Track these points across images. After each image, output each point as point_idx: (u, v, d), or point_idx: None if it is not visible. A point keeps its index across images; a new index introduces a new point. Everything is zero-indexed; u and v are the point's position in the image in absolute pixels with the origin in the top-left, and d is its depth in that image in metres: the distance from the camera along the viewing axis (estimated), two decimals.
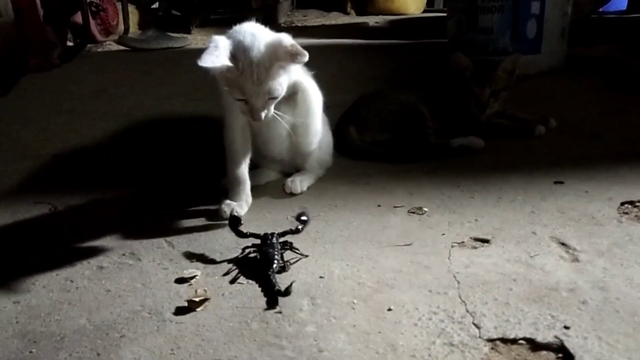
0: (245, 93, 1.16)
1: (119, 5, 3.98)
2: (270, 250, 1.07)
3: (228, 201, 1.31)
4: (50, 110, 2.31)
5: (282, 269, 1.06)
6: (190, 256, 1.14)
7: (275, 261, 1.04)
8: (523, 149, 1.67)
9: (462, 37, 2.59)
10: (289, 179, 1.43)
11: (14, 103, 2.44)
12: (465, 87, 1.77)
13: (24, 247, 1.22)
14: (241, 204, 1.32)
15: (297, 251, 1.11)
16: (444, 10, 4.91)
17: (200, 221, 1.30)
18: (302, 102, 1.34)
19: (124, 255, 1.15)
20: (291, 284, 0.98)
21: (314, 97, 1.36)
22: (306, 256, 1.11)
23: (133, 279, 1.06)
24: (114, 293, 1.02)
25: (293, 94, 1.32)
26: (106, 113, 2.26)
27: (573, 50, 2.68)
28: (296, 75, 1.30)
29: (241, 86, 1.15)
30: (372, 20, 4.84)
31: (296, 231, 1.14)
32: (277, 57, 1.14)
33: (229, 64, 1.12)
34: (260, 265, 1.05)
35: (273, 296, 0.97)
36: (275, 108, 1.25)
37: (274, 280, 0.99)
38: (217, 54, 1.11)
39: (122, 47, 3.70)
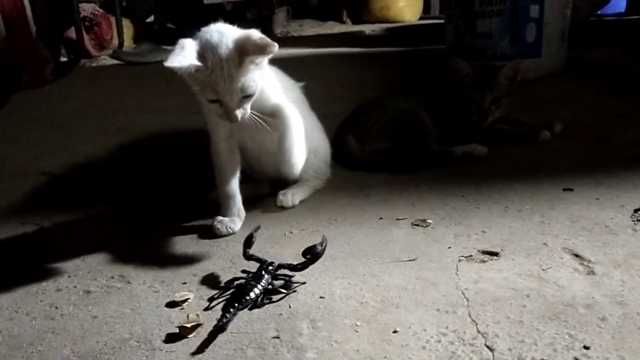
0: (217, 92, 1.10)
1: (113, 20, 3.94)
2: (253, 282, 0.97)
3: (220, 217, 1.26)
4: (42, 126, 2.25)
5: (255, 306, 0.96)
6: (183, 277, 1.07)
7: (248, 297, 0.94)
8: (528, 155, 1.61)
9: (460, 43, 2.54)
10: (281, 192, 1.37)
11: (5, 120, 2.39)
12: (466, 94, 1.72)
13: (8, 270, 1.16)
14: (234, 220, 1.26)
15: (282, 290, 0.99)
16: (440, 17, 4.89)
17: (194, 239, 1.24)
18: (278, 129, 1.23)
19: (112, 277, 1.09)
20: (231, 319, 0.91)
21: (293, 123, 1.24)
22: (294, 291, 1.00)
23: (121, 303, 1.00)
24: (101, 320, 0.95)
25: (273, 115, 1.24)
26: (98, 128, 2.21)
27: (573, 53, 2.63)
28: (275, 97, 1.24)
29: (213, 86, 1.09)
30: (368, 28, 4.80)
31: (299, 267, 1.03)
32: (246, 52, 1.09)
33: (197, 63, 1.06)
34: (231, 298, 0.96)
35: (216, 330, 0.89)
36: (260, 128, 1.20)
37: (225, 318, 0.90)
38: (183, 54, 1.06)
39: (116, 62, 3.65)
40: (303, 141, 1.26)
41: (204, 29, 1.14)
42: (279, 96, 1.26)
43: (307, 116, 1.44)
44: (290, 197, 1.36)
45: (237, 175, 1.29)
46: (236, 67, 1.09)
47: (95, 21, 3.81)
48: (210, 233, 1.24)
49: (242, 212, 1.29)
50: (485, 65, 2.02)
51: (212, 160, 1.29)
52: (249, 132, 1.27)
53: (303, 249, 1.07)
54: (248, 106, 1.15)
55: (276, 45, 1.09)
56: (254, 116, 1.18)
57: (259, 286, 0.97)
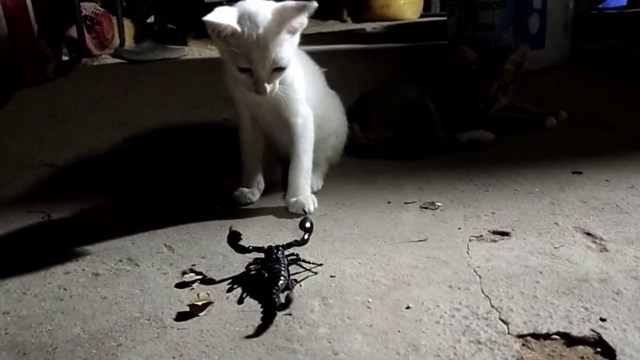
0: (251, 60, 1.11)
1: (114, 19, 3.94)
2: (277, 265, 0.95)
3: (241, 188, 1.32)
4: (45, 122, 2.25)
5: (287, 287, 0.93)
6: (191, 260, 1.07)
7: (282, 278, 0.92)
8: (535, 141, 1.61)
9: (463, 35, 2.54)
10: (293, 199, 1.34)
11: (8, 116, 2.38)
12: (472, 82, 1.71)
13: (15, 255, 1.15)
14: (253, 191, 1.32)
15: (304, 266, 1.00)
16: (441, 14, 4.89)
17: (201, 224, 1.23)
18: (293, 136, 1.27)
19: (120, 261, 1.08)
20: (292, 290, 0.88)
21: (307, 137, 1.28)
22: (315, 273, 0.99)
23: (131, 285, 0.99)
24: (111, 300, 0.94)
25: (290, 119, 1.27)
26: (102, 123, 2.20)
27: (576, 46, 2.63)
28: (299, 102, 1.26)
29: (246, 53, 1.10)
30: (369, 26, 4.80)
31: (302, 242, 1.04)
32: (284, 19, 1.10)
33: (235, 25, 1.08)
34: (265, 282, 0.92)
35: (272, 313, 0.86)
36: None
37: (276, 300, 0.87)
38: (223, 14, 1.09)
39: (117, 60, 3.65)
40: (311, 152, 1.29)
41: (240, 3, 1.16)
42: (302, 103, 1.27)
43: (329, 99, 1.49)
44: (315, 181, 1.35)
45: (259, 151, 1.34)
46: (272, 36, 1.10)
47: (96, 20, 3.81)
48: (232, 202, 1.31)
49: (262, 185, 1.35)
50: (492, 51, 2.01)
51: (239, 137, 1.34)
52: (268, 123, 1.31)
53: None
54: (277, 82, 1.16)
55: (313, 2, 1.10)
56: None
57: (283, 268, 0.95)
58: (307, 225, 1.07)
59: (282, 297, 0.88)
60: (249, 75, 1.13)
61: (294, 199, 1.25)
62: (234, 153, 1.37)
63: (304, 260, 1.01)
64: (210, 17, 1.07)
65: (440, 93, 1.75)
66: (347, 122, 1.54)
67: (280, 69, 1.14)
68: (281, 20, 1.10)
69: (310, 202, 1.24)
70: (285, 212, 1.26)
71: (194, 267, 1.04)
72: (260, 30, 1.09)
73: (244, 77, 1.15)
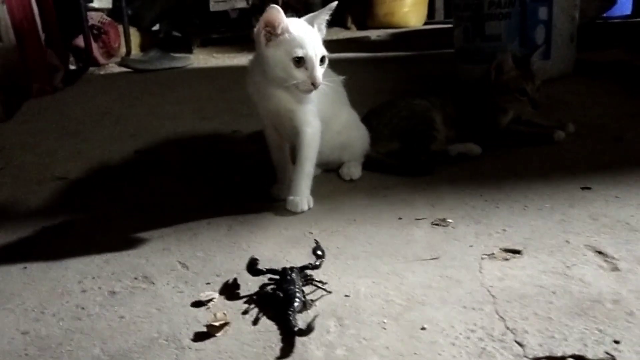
0: (305, 47, 1.26)
1: (120, 28, 3.97)
2: (291, 287, 0.96)
3: (277, 185, 1.46)
4: (54, 133, 2.27)
5: (304, 307, 0.95)
6: (206, 278, 1.08)
7: (297, 299, 0.93)
8: (544, 155, 1.62)
9: (469, 46, 2.55)
10: (345, 166, 1.56)
11: (18, 128, 2.40)
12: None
13: (30, 273, 1.16)
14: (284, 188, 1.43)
15: (319, 285, 1.01)
16: (445, 21, 4.91)
17: (215, 241, 1.24)
18: (299, 145, 1.38)
19: (136, 279, 1.09)
20: (314, 319, 0.87)
21: (312, 146, 1.39)
22: (329, 292, 0.99)
23: (147, 304, 1.00)
24: (128, 320, 0.96)
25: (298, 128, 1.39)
26: (112, 134, 2.22)
27: (580, 55, 2.64)
28: (308, 112, 1.37)
29: (299, 42, 1.26)
30: (373, 34, 4.82)
31: (315, 267, 1.05)
32: (313, 17, 1.32)
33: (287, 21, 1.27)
34: (281, 303, 0.94)
35: (291, 337, 0.86)
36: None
37: (293, 321, 0.88)
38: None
39: (124, 69, 3.68)
40: (314, 159, 1.40)
41: None
42: (314, 114, 1.39)
43: (346, 108, 1.58)
44: (354, 169, 1.56)
45: (285, 152, 1.48)
46: (317, 31, 1.31)
47: (103, 29, 3.84)
48: (269, 196, 1.43)
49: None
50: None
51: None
52: (284, 129, 1.43)
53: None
54: (322, 73, 1.29)
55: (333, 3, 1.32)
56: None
57: (298, 290, 0.96)
58: (319, 252, 1.09)
59: (298, 319, 0.89)
60: (304, 68, 1.27)
61: (292, 197, 1.37)
62: (247, 167, 1.39)
63: (318, 281, 1.02)
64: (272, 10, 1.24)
65: (451, 106, 1.76)
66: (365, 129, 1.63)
67: (323, 61, 1.30)
68: (310, 19, 1.33)
69: (304, 203, 1.36)
70: (296, 228, 1.27)
71: (209, 285, 1.05)
72: (307, 29, 1.30)
73: (298, 72, 1.27)
